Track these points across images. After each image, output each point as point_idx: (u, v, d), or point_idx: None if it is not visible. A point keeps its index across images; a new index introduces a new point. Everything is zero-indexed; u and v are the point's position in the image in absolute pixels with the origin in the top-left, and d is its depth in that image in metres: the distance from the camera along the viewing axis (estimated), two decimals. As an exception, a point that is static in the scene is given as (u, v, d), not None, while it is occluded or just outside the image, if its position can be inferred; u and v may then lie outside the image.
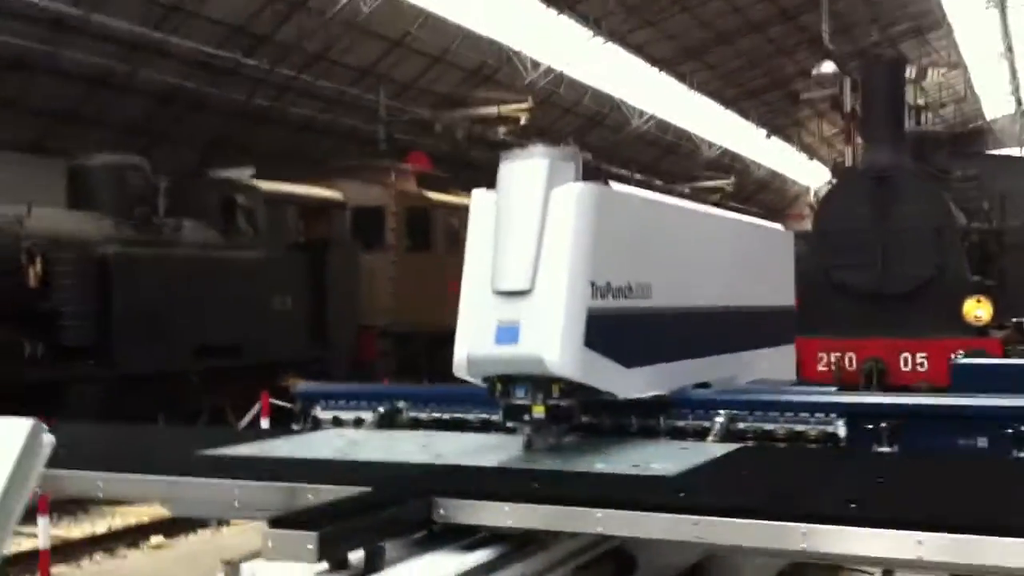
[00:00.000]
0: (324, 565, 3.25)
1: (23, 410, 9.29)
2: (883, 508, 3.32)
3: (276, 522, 3.18)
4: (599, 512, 3.45)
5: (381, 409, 5.89)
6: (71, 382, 12.60)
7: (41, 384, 12.22)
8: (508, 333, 4.32)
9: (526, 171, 4.50)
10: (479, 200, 4.67)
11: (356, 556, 3.29)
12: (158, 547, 9.06)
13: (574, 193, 4.46)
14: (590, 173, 4.62)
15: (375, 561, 3.33)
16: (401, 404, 5.90)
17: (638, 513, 3.42)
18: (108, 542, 9.19)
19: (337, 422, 6.12)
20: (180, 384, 14.18)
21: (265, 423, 10.25)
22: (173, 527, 9.30)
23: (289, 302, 15.54)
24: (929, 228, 11.88)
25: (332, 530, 3.16)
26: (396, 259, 17.61)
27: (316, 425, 6.16)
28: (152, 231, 13.92)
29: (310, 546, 3.08)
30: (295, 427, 6.33)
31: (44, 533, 7.35)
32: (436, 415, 5.80)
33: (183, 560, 8.60)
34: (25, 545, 8.23)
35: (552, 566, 3.72)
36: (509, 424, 4.64)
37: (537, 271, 4.34)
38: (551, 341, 4.27)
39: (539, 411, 4.41)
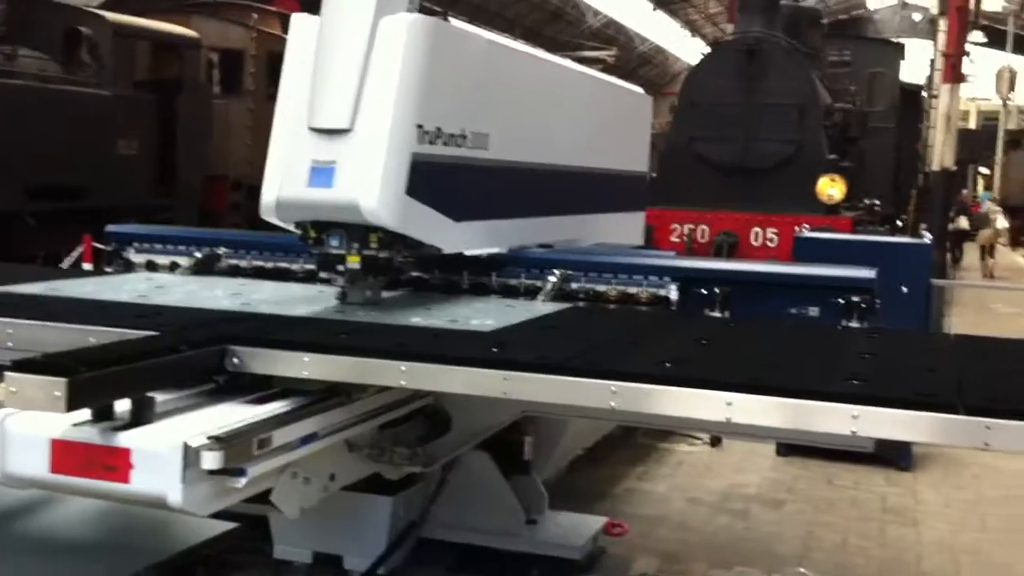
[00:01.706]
0: (81, 414, 2.91)
1: None
2: (699, 368, 3.15)
3: (22, 365, 2.79)
4: (403, 364, 3.18)
5: (198, 254, 5.55)
6: None
7: None
8: (322, 175, 3.93)
9: (353, -5, 4.03)
10: (299, 25, 4.20)
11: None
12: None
13: (405, 23, 4.03)
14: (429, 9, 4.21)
15: (142, 412, 2.99)
16: (221, 250, 5.55)
17: (443, 367, 3.17)
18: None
19: (151, 266, 5.74)
20: (12, 225, 13.34)
21: (88, 268, 9.63)
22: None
23: (135, 145, 14.65)
24: (793, 104, 11.79)
25: (87, 377, 2.79)
26: (254, 107, 16.73)
27: (128, 268, 5.76)
28: (-19, 57, 12.82)
29: (57, 393, 2.72)
30: (108, 270, 5.92)
31: None
32: (258, 263, 5.47)
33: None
34: None
35: (354, 421, 3.46)
36: (323, 275, 4.29)
37: (358, 108, 3.93)
38: (369, 186, 3.90)
39: (354, 262, 4.09)
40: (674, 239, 11.38)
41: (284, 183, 4.01)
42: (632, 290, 4.71)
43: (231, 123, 16.49)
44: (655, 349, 3.45)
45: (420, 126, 4.05)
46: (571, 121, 5.65)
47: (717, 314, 4.53)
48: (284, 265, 5.39)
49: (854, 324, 4.34)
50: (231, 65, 16.96)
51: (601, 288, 4.76)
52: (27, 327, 3.60)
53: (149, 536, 3.86)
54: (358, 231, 4.04)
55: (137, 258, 5.80)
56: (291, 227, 4.23)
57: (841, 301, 4.41)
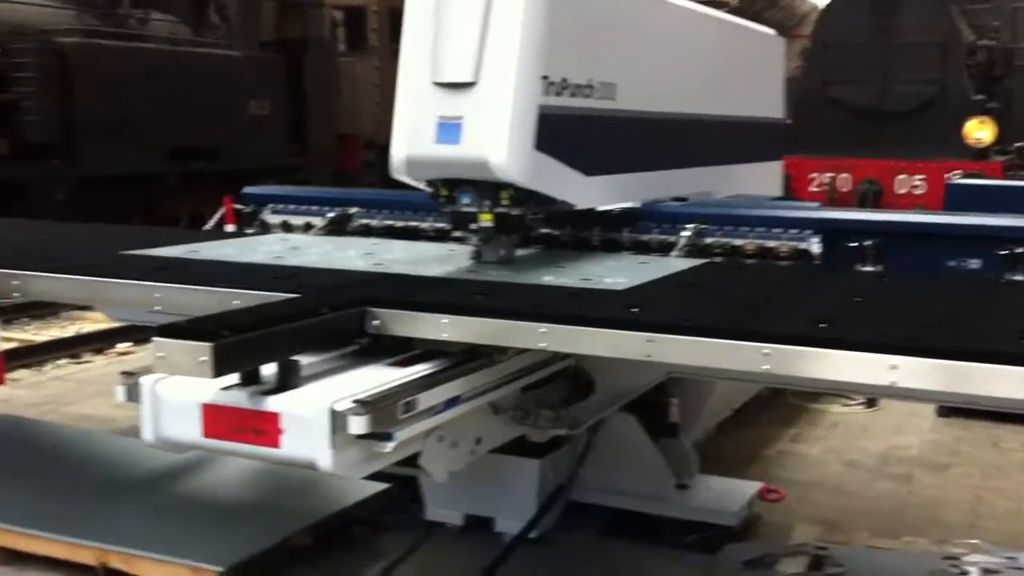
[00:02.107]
0: (229, 379, 2.95)
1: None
2: (856, 329, 2.98)
3: (167, 330, 2.83)
4: (543, 327, 3.10)
5: (331, 214, 5.60)
6: (35, 182, 12.18)
7: (4, 183, 11.83)
8: (450, 131, 3.87)
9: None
10: (418, -24, 4.11)
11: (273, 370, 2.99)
12: (124, 354, 8.83)
13: (529, -31, 3.91)
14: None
15: (288, 375, 3.01)
16: (353, 210, 5.60)
17: (584, 329, 3.07)
18: (74, 347, 8.96)
19: (287, 227, 5.85)
20: (155, 187, 13.77)
21: (230, 229, 9.87)
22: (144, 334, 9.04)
23: (267, 106, 14.91)
24: (933, 43, 11.22)
25: (231, 341, 2.82)
26: (379, 64, 16.84)
27: (264, 229, 5.88)
28: (116, 21, 13.19)
29: (203, 358, 2.74)
30: (248, 232, 6.04)
31: (-6, 336, 7.09)
32: (389, 223, 5.50)
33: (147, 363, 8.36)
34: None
35: (497, 383, 3.42)
36: (456, 234, 4.26)
37: (482, 60, 3.84)
38: (497, 141, 3.82)
39: (486, 219, 4.02)
40: (813, 189, 11.00)
41: (412, 140, 3.96)
42: (771, 244, 4.54)
43: (358, 81, 16.63)
44: (804, 308, 3.30)
45: (546, 77, 3.94)
46: (702, 66, 5.46)
47: (868, 268, 4.32)
48: (414, 224, 5.41)
49: (1018, 277, 4.10)
50: (354, 22, 17.06)
51: (738, 242, 4.61)
52: (174, 291, 3.66)
53: (303, 497, 3.94)
54: (489, 188, 3.97)
55: (273, 219, 5.91)
56: (423, 185, 4.20)
57: (1004, 253, 4.16)
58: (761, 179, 6.54)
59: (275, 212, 5.90)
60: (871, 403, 6.24)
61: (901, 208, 9.58)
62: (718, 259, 4.56)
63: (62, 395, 6.44)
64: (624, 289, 3.59)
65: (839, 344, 2.78)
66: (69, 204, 12.08)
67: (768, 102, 6.68)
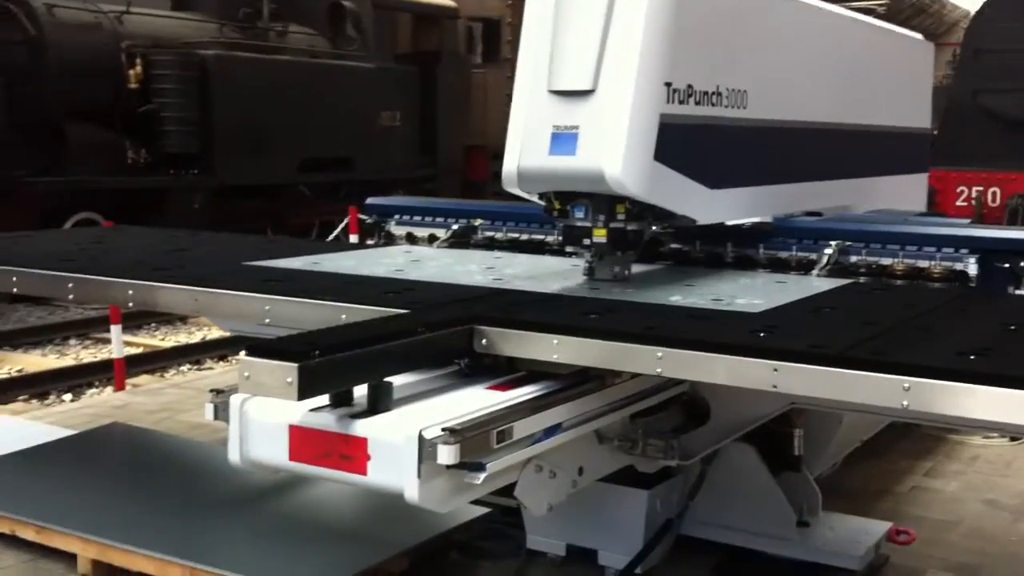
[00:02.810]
0: (319, 400, 2.81)
1: (125, 217, 9.21)
2: (1012, 363, 2.67)
3: (254, 349, 2.71)
4: (659, 351, 2.88)
5: (455, 226, 5.55)
6: (173, 190, 12.51)
7: (143, 191, 12.17)
8: (564, 141, 3.67)
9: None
10: (540, -19, 3.93)
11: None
12: (244, 361, 8.93)
13: (653, -28, 3.68)
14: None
15: (379, 398, 2.86)
16: (478, 222, 5.54)
17: (704, 354, 2.84)
18: (197, 353, 9.11)
19: (411, 239, 5.79)
20: (289, 197, 14.01)
21: (354, 239, 9.90)
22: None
23: (398, 117, 15.03)
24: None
25: (320, 362, 2.67)
26: (511, 75, 16.78)
27: (389, 240, 5.81)
28: (257, 34, 13.47)
29: (289, 380, 2.61)
30: (370, 243, 6.00)
31: (117, 342, 7.19)
32: (514, 235, 5.42)
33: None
34: (109, 353, 8.18)
35: (604, 410, 3.21)
36: (568, 249, 4.04)
37: (601, 67, 3.62)
38: (613, 152, 3.59)
39: (600, 235, 3.80)
40: (960, 203, 10.42)
41: (524, 151, 3.78)
42: (923, 264, 4.24)
43: (489, 92, 16.63)
44: (953, 336, 2.98)
45: (669, 84, 3.70)
46: (842, 72, 5.11)
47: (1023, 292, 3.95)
48: (539, 236, 5.30)
49: None
50: (489, 34, 17.09)
51: (886, 261, 4.33)
52: (283, 303, 3.58)
53: (400, 520, 3.79)
54: (604, 201, 3.75)
55: (397, 230, 5.87)
56: (535, 198, 4.00)
57: None
58: (904, 193, 6.14)
59: (400, 223, 5.82)
60: (1016, 436, 5.74)
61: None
62: (863, 279, 4.26)
63: (180, 402, 6.48)
64: (758, 312, 3.32)
65: (989, 380, 2.48)
66: (204, 213, 12.37)
67: (914, 111, 6.27)
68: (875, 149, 5.63)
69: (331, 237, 11.22)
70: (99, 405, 6.56)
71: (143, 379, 8.01)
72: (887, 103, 5.75)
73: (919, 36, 6.52)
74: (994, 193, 10.47)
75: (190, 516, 3.93)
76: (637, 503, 3.88)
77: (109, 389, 7.57)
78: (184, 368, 8.71)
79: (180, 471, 4.44)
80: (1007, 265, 4.11)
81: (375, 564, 3.63)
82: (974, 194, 10.49)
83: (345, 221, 10.70)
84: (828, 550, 4.02)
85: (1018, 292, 4.03)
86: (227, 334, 9.44)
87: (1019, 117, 10.79)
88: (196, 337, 9.97)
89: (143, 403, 6.51)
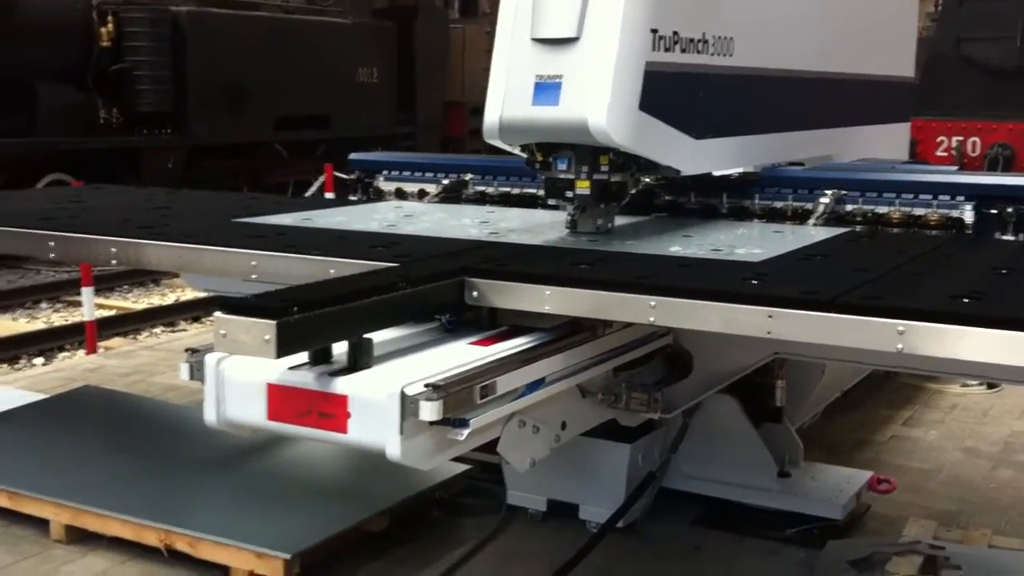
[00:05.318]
0: (297, 358, 2.73)
1: (98, 177, 9.02)
2: (1005, 305, 2.64)
3: (230, 306, 2.62)
4: (653, 299, 2.83)
5: (445, 181, 5.49)
6: (146, 150, 12.31)
7: (116, 151, 11.98)
8: (548, 91, 3.56)
9: None
10: (523, -74, 3.80)
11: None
12: (219, 321, 8.80)
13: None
14: None
15: (359, 355, 2.78)
16: (468, 176, 5.47)
17: (697, 302, 2.79)
18: (170, 315, 8.99)
19: (400, 194, 5.71)
20: (264, 156, 13.84)
21: (330, 196, 9.79)
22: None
23: (375, 73, 14.84)
24: (1081, -4, 10.41)
25: (298, 319, 2.59)
26: (490, 29, 16.57)
27: (379, 196, 5.73)
28: (230, -10, 13.23)
29: (267, 337, 2.52)
30: (352, 199, 5.91)
31: (88, 305, 7.07)
32: (505, 189, 5.34)
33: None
34: (80, 316, 8.06)
35: (587, 364, 3.14)
36: (551, 201, 3.96)
37: (586, 13, 3.51)
38: (598, 102, 3.48)
39: (583, 187, 3.71)
40: (940, 153, 10.37)
41: (507, 102, 3.66)
42: (919, 212, 4.20)
43: (468, 47, 16.44)
44: (945, 281, 2.95)
45: (655, 31, 3.59)
46: (826, 20, 5.01)
47: (1010, 237, 3.90)
48: (531, 191, 5.19)
49: None
50: (466, -12, 16.86)
51: (882, 210, 4.29)
52: (270, 258, 3.50)
53: (380, 478, 3.74)
54: (587, 153, 3.66)
55: (386, 186, 5.80)
56: (516, 150, 3.91)
57: None
58: (887, 143, 6.05)
59: (388, 179, 5.72)
60: (992, 384, 5.74)
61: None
62: (859, 228, 4.23)
63: (153, 364, 6.40)
64: (760, 261, 3.27)
65: (983, 322, 2.45)
66: (178, 172, 12.19)
67: (898, 59, 6.16)
68: (859, 98, 5.53)
69: (308, 194, 11.13)
70: (71, 368, 6.47)
71: (115, 342, 7.90)
72: (871, 51, 5.65)
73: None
74: (974, 143, 10.42)
75: (165, 479, 3.87)
76: (619, 457, 3.85)
77: (81, 352, 7.47)
78: (157, 331, 8.60)
79: (154, 434, 4.37)
80: (995, 211, 4.06)
81: (354, 523, 3.58)
82: (954, 144, 10.44)
83: (321, 179, 10.60)
84: (809, 499, 4.02)
85: (1005, 237, 3.98)
86: (201, 294, 9.34)
87: (1001, 66, 10.71)
88: (169, 299, 9.85)
89: (116, 366, 6.41)
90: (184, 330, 8.62)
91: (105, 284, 9.77)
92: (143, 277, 10.29)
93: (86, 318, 7.09)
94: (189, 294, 9.70)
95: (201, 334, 7.93)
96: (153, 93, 12.12)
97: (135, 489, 3.77)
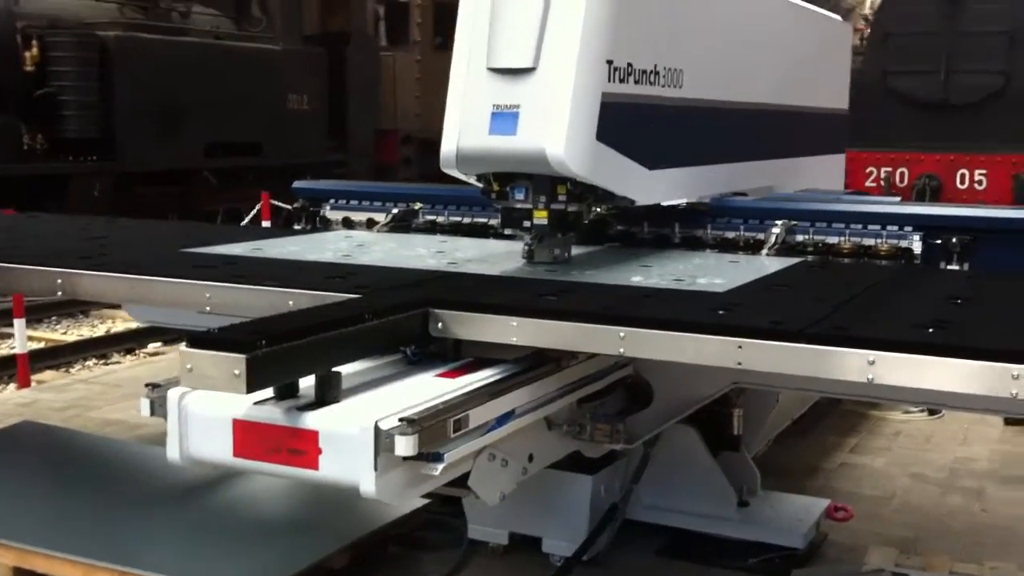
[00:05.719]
0: (263, 393, 2.67)
1: (22, 204, 8.76)
2: (969, 334, 2.70)
3: (197, 340, 2.56)
4: (622, 331, 2.83)
5: (395, 210, 5.39)
6: (73, 176, 12.03)
7: (41, 177, 11.69)
8: (505, 120, 3.56)
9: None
10: (478, -45, 3.81)
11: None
12: (154, 354, 8.61)
13: (590, -50, 3.59)
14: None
15: (328, 388, 2.73)
16: (418, 205, 5.40)
17: (668, 333, 2.79)
18: (103, 347, 8.77)
19: (348, 223, 5.60)
20: (194, 183, 13.62)
21: (266, 224, 9.66)
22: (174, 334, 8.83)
23: (307, 100, 14.73)
24: (1001, 31, 10.76)
25: (268, 352, 2.53)
26: (421, 58, 16.60)
27: (325, 226, 5.62)
28: (159, 15, 13.05)
29: (236, 372, 2.47)
30: (296, 228, 5.80)
31: (20, 336, 6.87)
32: (456, 219, 5.28)
33: (177, 368, 8.12)
34: (11, 348, 7.82)
35: (553, 395, 3.14)
36: (507, 232, 3.95)
37: (542, 44, 3.52)
38: (556, 132, 3.50)
39: (541, 217, 3.71)
40: (869, 184, 10.61)
41: (464, 132, 3.65)
42: (869, 242, 4.27)
43: (399, 75, 16.43)
44: (908, 311, 3.00)
45: (611, 62, 3.62)
46: (770, 53, 5.12)
47: (955, 266, 4.00)
48: (482, 220, 5.15)
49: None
50: (397, 16, 16.87)
51: (832, 240, 4.34)
52: (225, 290, 3.42)
53: (339, 514, 3.67)
54: (545, 183, 3.67)
55: (333, 215, 5.69)
56: (473, 180, 3.89)
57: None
58: (825, 173, 6.21)
59: (335, 208, 5.63)
60: (933, 411, 5.88)
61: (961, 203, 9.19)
62: (810, 258, 4.29)
63: (89, 399, 6.21)
64: (725, 292, 3.29)
65: (952, 352, 2.50)
66: (105, 200, 11.94)
67: (834, 92, 6.33)
68: (800, 130, 5.66)
69: (244, 222, 10.96)
70: (3, 403, 6.27)
71: (48, 375, 7.68)
72: (811, 84, 5.79)
73: (838, 17, 6.58)
74: (902, 173, 10.68)
75: (115, 516, 3.74)
76: (581, 488, 3.83)
77: (12, 386, 7.24)
78: (90, 363, 8.38)
79: (100, 470, 4.23)
80: (939, 241, 4.16)
81: (316, 560, 3.50)
82: (883, 174, 10.69)
83: (257, 207, 10.47)
84: (770, 528, 4.03)
85: (951, 267, 4.08)
86: (133, 325, 9.11)
87: (926, 99, 11.02)
88: (100, 330, 9.61)
89: (50, 400, 6.22)
90: (118, 362, 8.41)
91: (33, 315, 9.51)
92: (72, 308, 10.03)
93: (18, 351, 6.88)
94: (120, 325, 9.48)
95: (135, 366, 7.74)
96: (79, 119, 11.87)
97: (83, 528, 3.64)
